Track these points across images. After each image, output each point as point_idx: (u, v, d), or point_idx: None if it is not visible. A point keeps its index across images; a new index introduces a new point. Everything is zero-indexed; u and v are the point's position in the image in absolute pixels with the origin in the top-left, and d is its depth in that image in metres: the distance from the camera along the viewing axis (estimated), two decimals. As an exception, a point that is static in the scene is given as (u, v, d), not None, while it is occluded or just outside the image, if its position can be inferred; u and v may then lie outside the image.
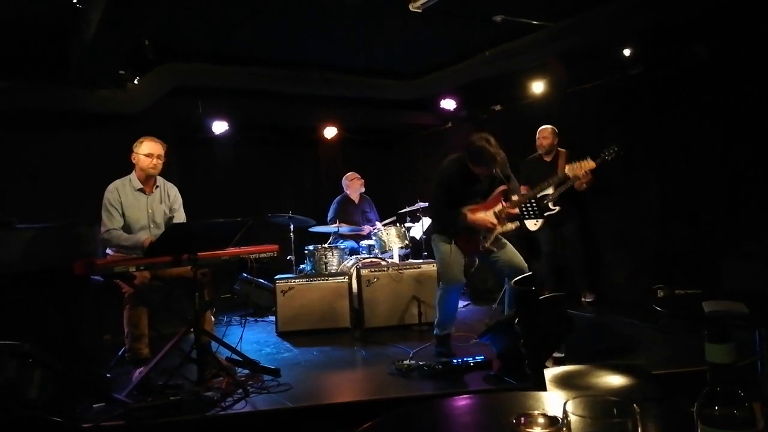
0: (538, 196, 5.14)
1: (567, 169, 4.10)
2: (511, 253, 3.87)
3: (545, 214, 5.12)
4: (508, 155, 4.03)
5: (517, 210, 3.86)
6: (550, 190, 5.16)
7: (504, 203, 3.85)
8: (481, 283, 6.17)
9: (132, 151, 3.88)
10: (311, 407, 3.18)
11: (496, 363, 3.62)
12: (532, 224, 5.22)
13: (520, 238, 5.67)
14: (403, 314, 5.03)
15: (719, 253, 4.50)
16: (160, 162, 3.89)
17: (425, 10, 4.38)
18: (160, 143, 3.90)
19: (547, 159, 5.31)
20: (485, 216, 3.79)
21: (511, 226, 3.86)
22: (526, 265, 3.86)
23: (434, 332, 4.08)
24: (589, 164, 4.13)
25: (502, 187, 3.88)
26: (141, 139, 3.88)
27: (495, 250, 3.84)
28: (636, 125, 5.23)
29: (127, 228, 3.80)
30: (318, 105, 6.92)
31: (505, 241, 3.93)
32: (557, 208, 5.14)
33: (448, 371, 3.54)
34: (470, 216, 3.78)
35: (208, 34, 5.25)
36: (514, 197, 3.88)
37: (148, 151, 3.83)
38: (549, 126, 5.33)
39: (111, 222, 3.73)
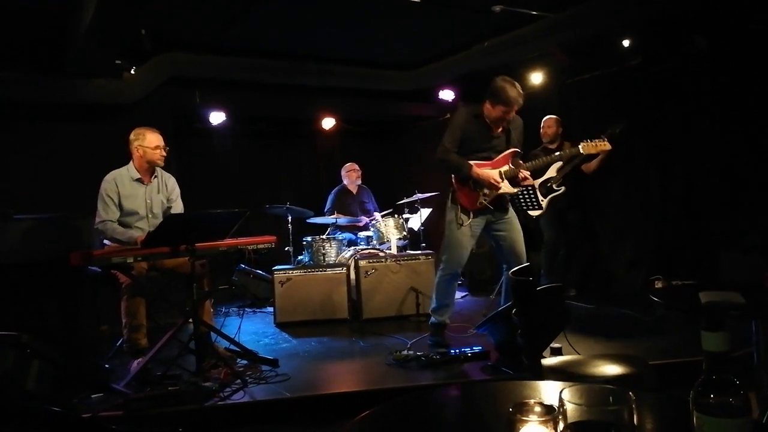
0: (540, 181, 5.17)
1: (581, 146, 4.02)
2: (518, 239, 3.87)
3: (549, 197, 5.13)
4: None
5: (528, 173, 3.83)
6: (553, 173, 5.18)
7: (511, 165, 3.85)
8: (479, 274, 6.19)
9: (131, 143, 3.85)
10: (309, 397, 3.19)
11: (493, 353, 3.63)
12: (536, 211, 5.20)
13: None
14: (401, 305, 5.04)
15: (718, 245, 4.51)
16: (165, 151, 3.91)
17: (423, 0, 4.36)
18: (159, 133, 3.90)
19: (552, 148, 5.33)
20: (490, 172, 3.79)
21: (514, 189, 3.86)
22: (525, 257, 3.86)
23: (430, 320, 4.08)
24: (605, 146, 4.05)
25: (513, 150, 3.88)
26: (141, 132, 3.84)
27: (490, 206, 3.84)
28: (635, 116, 5.21)
29: (124, 218, 3.79)
30: (316, 96, 6.89)
31: (518, 226, 3.92)
32: (562, 188, 5.13)
33: (445, 361, 3.55)
34: (475, 168, 3.77)
35: (206, 25, 5.22)
36: (522, 162, 3.87)
37: (156, 143, 3.84)
38: (553, 116, 5.35)
39: (106, 213, 3.72)
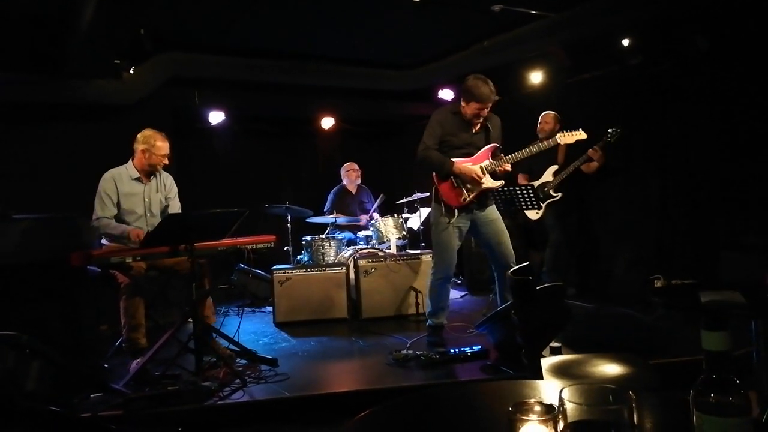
0: (537, 184, 5.16)
1: (558, 136, 4.05)
2: (504, 240, 3.89)
3: (547, 202, 5.13)
4: (507, 146, 4.03)
5: (508, 166, 3.84)
6: (549, 177, 5.17)
7: (491, 160, 3.87)
8: (478, 273, 6.18)
9: (137, 142, 3.83)
10: (309, 397, 3.18)
11: (493, 353, 3.63)
12: (534, 213, 5.20)
13: (519, 227, 5.69)
14: (401, 304, 5.04)
15: (718, 245, 4.51)
16: (168, 159, 3.92)
17: (423, 0, 4.36)
18: (167, 139, 3.90)
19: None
20: (472, 167, 3.82)
21: (497, 183, 3.87)
22: (513, 256, 3.88)
23: (427, 323, 4.09)
24: (581, 135, 4.08)
25: (493, 145, 3.91)
26: (152, 137, 3.82)
27: (476, 203, 3.85)
28: (636, 116, 5.21)
29: (123, 217, 3.79)
30: (315, 96, 6.90)
31: (503, 227, 3.94)
32: (559, 194, 5.13)
33: (445, 361, 3.55)
34: (457, 164, 3.82)
35: (206, 24, 5.22)
36: (503, 156, 3.88)
37: (164, 152, 3.85)
38: (551, 112, 5.32)
39: (102, 210, 3.72)
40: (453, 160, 3.83)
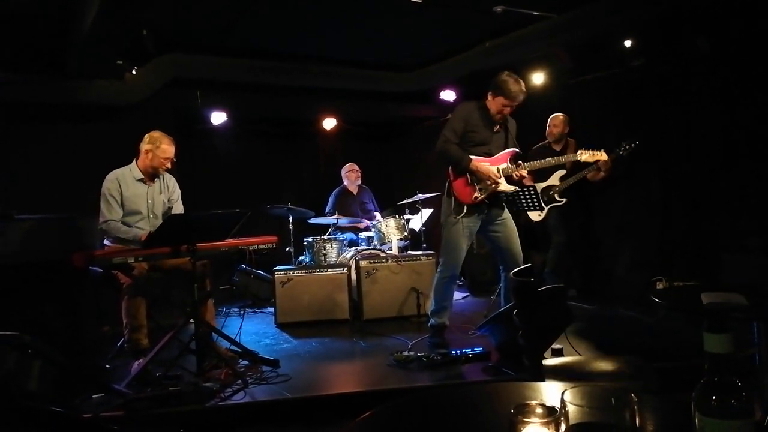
0: (543, 186, 5.16)
1: (580, 153, 4.05)
2: (514, 240, 3.90)
3: (550, 206, 5.12)
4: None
5: (524, 173, 3.86)
6: (555, 181, 5.16)
7: (509, 164, 3.86)
8: (480, 275, 6.18)
9: (143, 143, 3.83)
10: (310, 398, 3.18)
11: (494, 354, 3.63)
12: (536, 215, 5.19)
13: (520, 228, 5.67)
14: (402, 306, 5.04)
15: (720, 246, 4.50)
16: (171, 164, 3.91)
17: (425, 1, 4.36)
18: (174, 144, 3.89)
19: (556, 148, 5.30)
20: (489, 167, 3.81)
21: (510, 188, 3.86)
22: (521, 257, 3.88)
23: (429, 322, 4.09)
24: (602, 155, 4.09)
25: (514, 150, 3.91)
26: (158, 139, 3.81)
27: (486, 200, 3.85)
28: (637, 117, 5.21)
29: (125, 218, 3.78)
30: (317, 97, 6.90)
31: (514, 227, 3.94)
32: (563, 200, 5.12)
33: (446, 362, 3.55)
34: (475, 162, 3.80)
35: (208, 26, 5.22)
36: (521, 162, 3.88)
37: (168, 155, 3.83)
38: (561, 114, 5.29)
39: (110, 213, 3.71)
40: (471, 157, 3.81)
